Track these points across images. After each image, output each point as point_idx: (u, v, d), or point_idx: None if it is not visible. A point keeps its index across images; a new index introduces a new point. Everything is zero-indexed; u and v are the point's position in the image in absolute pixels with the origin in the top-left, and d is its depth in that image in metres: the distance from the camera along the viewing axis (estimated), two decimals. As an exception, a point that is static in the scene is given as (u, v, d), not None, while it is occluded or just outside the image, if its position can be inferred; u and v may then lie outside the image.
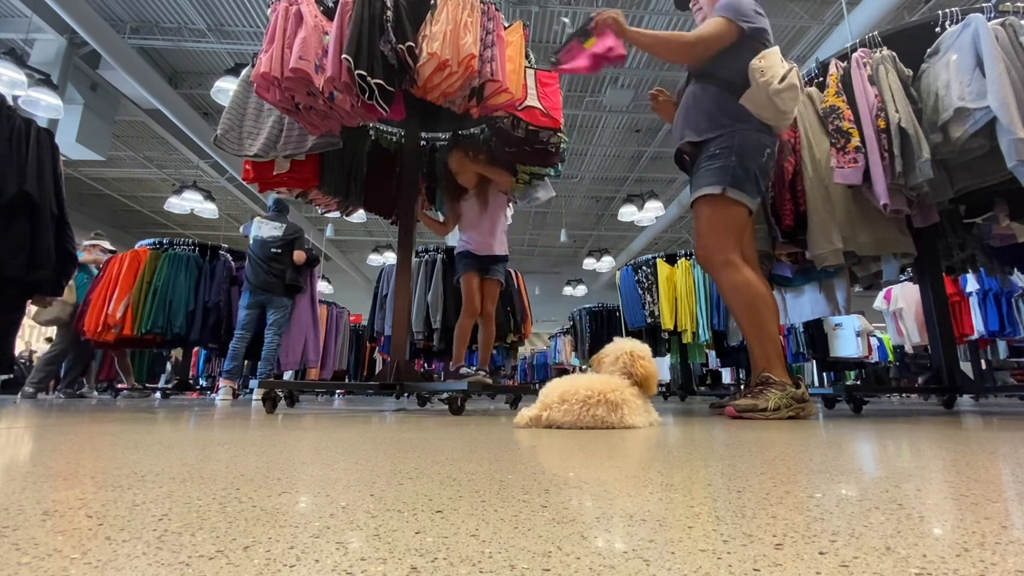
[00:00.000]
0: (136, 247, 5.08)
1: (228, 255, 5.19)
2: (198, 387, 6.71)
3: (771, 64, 2.01)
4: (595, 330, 7.39)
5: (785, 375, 1.91)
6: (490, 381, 2.81)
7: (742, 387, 6.37)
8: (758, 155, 2.05)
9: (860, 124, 2.23)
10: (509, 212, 6.27)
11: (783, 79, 1.99)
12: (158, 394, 5.39)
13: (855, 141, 2.20)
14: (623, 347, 1.70)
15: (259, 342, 4.33)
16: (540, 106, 2.74)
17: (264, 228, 4.35)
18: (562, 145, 2.98)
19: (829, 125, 2.31)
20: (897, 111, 2.14)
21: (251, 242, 4.32)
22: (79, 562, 0.33)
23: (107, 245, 5.55)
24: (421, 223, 3.28)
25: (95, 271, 5.12)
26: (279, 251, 4.26)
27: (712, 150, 2.06)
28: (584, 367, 8.70)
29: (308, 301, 4.93)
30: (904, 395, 6.55)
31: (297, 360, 4.92)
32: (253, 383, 2.71)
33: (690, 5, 2.39)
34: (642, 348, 1.72)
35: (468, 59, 2.27)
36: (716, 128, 2.06)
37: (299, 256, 4.35)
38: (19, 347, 9.40)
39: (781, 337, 8.06)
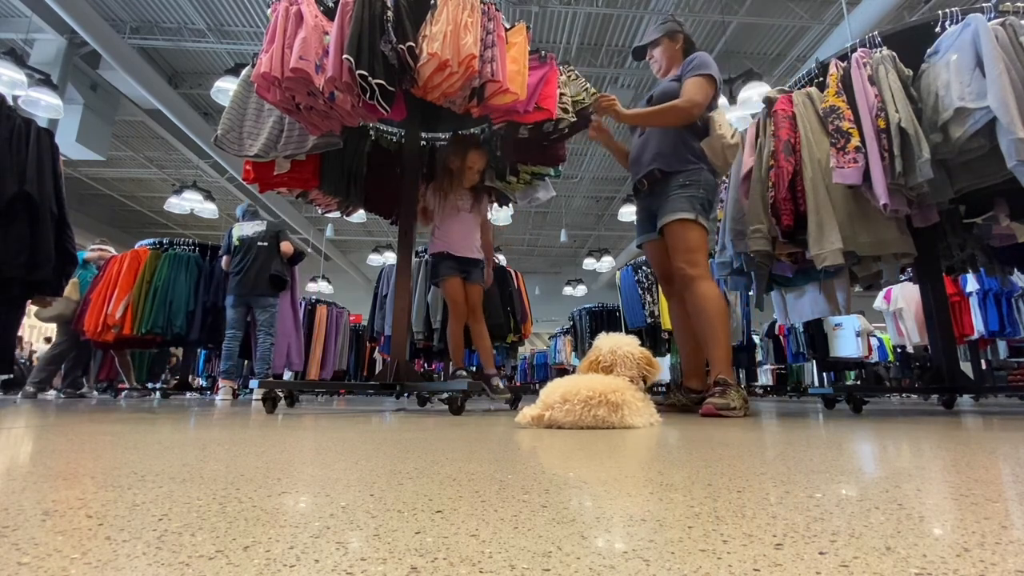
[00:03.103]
0: (136, 247, 5.08)
1: (227, 255, 5.17)
2: (197, 387, 6.71)
3: (724, 121, 2.45)
4: (595, 330, 7.39)
5: (732, 376, 2.22)
6: (500, 384, 2.74)
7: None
8: (715, 192, 2.48)
9: (860, 124, 2.23)
10: (509, 212, 6.29)
11: (733, 136, 2.43)
12: (157, 394, 5.39)
13: (855, 141, 2.20)
14: (630, 352, 1.70)
15: (250, 341, 4.35)
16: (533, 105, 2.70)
17: (246, 227, 4.37)
18: (560, 125, 2.89)
19: (829, 125, 2.31)
20: (897, 111, 2.14)
21: (235, 244, 4.31)
22: (79, 562, 0.33)
23: (112, 251, 5.56)
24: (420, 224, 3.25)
25: (95, 270, 5.13)
26: (266, 244, 4.27)
27: (682, 181, 2.38)
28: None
29: (289, 304, 4.96)
30: (904, 395, 6.55)
31: (282, 363, 4.94)
32: (253, 383, 2.70)
33: (647, 58, 2.71)
34: (641, 347, 1.73)
35: (468, 59, 2.27)
36: (684, 163, 2.40)
37: (287, 247, 4.36)
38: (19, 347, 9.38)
39: (781, 337, 8.09)
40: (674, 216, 2.35)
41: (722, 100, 2.63)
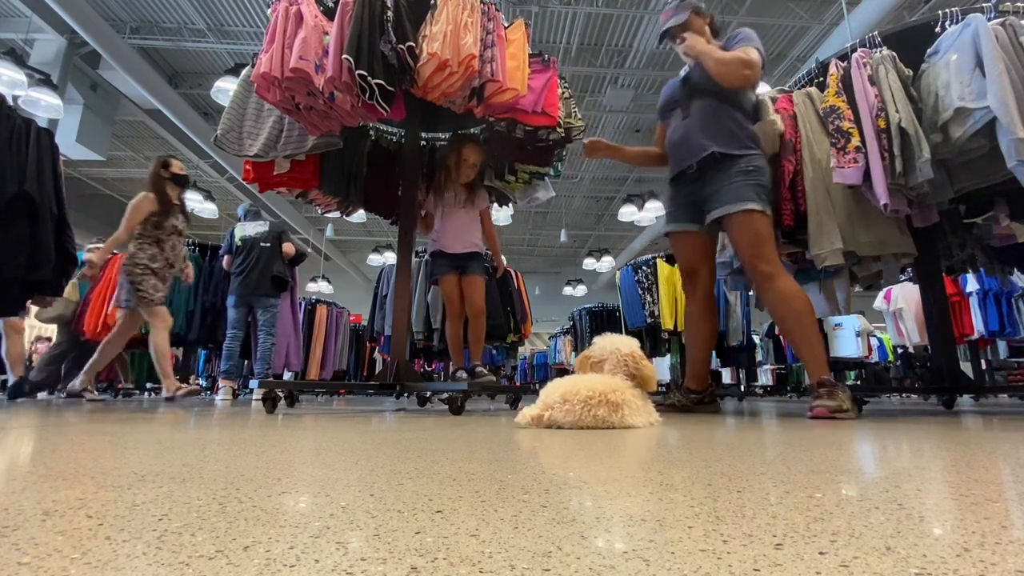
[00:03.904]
0: (136, 247, 5.06)
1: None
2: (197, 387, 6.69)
3: (770, 107, 2.32)
4: (595, 330, 7.40)
5: (830, 374, 2.02)
6: (493, 378, 2.79)
7: (742, 387, 6.38)
8: (770, 178, 2.26)
9: (860, 124, 2.23)
10: (509, 212, 6.29)
11: (780, 123, 2.33)
12: (151, 394, 5.39)
13: (855, 141, 2.20)
14: (618, 348, 1.70)
15: (250, 341, 4.35)
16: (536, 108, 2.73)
17: (248, 227, 4.38)
18: (551, 136, 2.93)
19: (829, 125, 2.31)
20: (897, 111, 2.14)
21: (237, 244, 4.32)
22: (79, 562, 0.33)
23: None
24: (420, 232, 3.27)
25: None
26: (268, 244, 4.28)
27: (744, 166, 2.16)
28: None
29: (289, 305, 4.98)
30: (905, 395, 6.55)
31: (281, 363, 4.95)
32: (253, 383, 2.71)
33: (675, 41, 2.35)
34: (637, 347, 1.73)
35: (468, 59, 2.27)
36: (745, 147, 2.19)
37: (289, 248, 4.38)
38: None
39: (781, 337, 8.09)
40: (742, 206, 2.12)
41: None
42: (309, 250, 9.68)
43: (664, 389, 3.16)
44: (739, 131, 2.21)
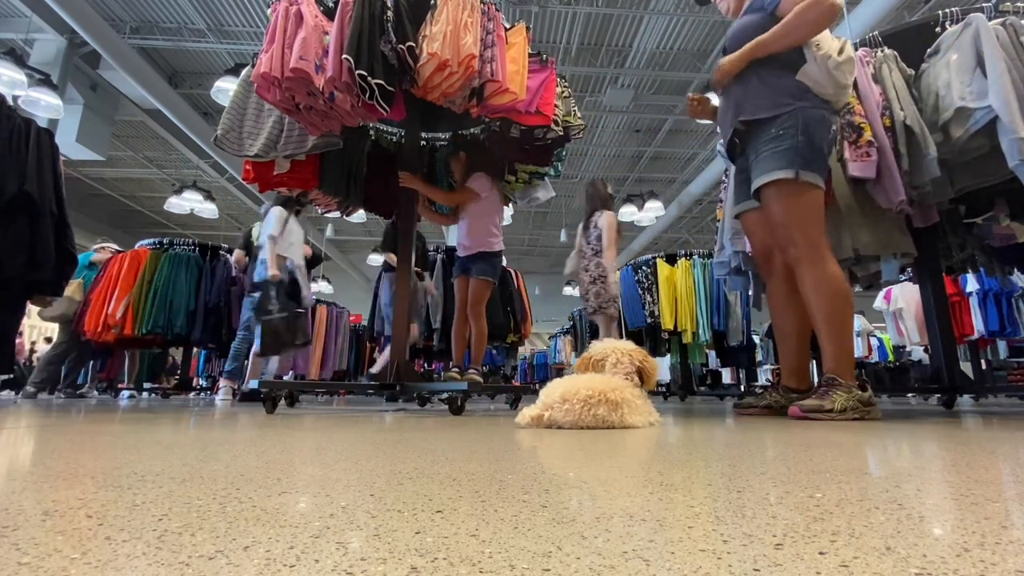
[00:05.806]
0: (136, 247, 5.08)
1: (228, 255, 5.19)
2: (191, 386, 6.69)
3: (824, 37, 1.94)
4: (595, 330, 7.39)
5: (851, 377, 1.83)
6: (480, 380, 2.80)
7: (742, 388, 6.37)
8: (825, 130, 1.93)
9: (870, 119, 2.22)
10: (509, 212, 6.29)
11: (841, 51, 1.91)
12: (148, 394, 5.39)
13: (867, 135, 2.18)
14: (617, 347, 1.70)
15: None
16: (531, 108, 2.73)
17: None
18: (549, 135, 2.92)
19: (840, 119, 2.28)
20: (902, 109, 2.14)
21: (253, 243, 4.35)
22: (79, 562, 0.33)
23: (114, 247, 5.56)
24: (421, 222, 3.27)
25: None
26: None
27: (774, 131, 1.91)
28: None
29: None
30: (925, 396, 6.48)
31: (288, 366, 4.95)
32: (253, 383, 2.70)
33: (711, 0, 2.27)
34: (635, 346, 1.73)
35: (468, 59, 2.27)
36: (775, 108, 1.92)
37: (306, 250, 4.39)
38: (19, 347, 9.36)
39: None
40: (768, 177, 1.89)
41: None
42: (322, 250, 9.64)
43: (761, 388, 2.84)
44: (771, 90, 1.93)
